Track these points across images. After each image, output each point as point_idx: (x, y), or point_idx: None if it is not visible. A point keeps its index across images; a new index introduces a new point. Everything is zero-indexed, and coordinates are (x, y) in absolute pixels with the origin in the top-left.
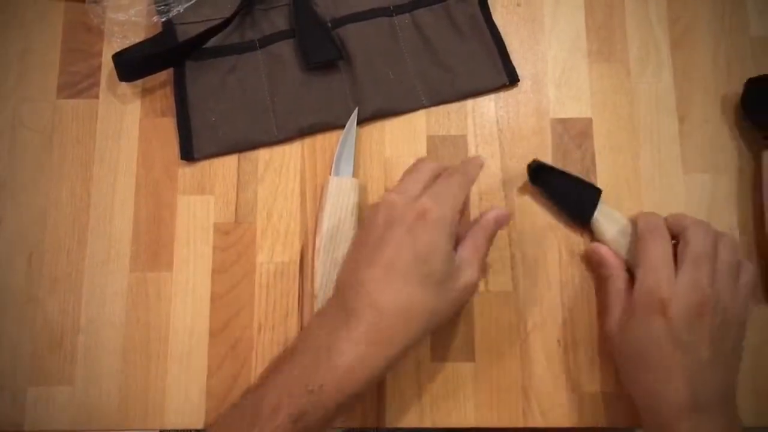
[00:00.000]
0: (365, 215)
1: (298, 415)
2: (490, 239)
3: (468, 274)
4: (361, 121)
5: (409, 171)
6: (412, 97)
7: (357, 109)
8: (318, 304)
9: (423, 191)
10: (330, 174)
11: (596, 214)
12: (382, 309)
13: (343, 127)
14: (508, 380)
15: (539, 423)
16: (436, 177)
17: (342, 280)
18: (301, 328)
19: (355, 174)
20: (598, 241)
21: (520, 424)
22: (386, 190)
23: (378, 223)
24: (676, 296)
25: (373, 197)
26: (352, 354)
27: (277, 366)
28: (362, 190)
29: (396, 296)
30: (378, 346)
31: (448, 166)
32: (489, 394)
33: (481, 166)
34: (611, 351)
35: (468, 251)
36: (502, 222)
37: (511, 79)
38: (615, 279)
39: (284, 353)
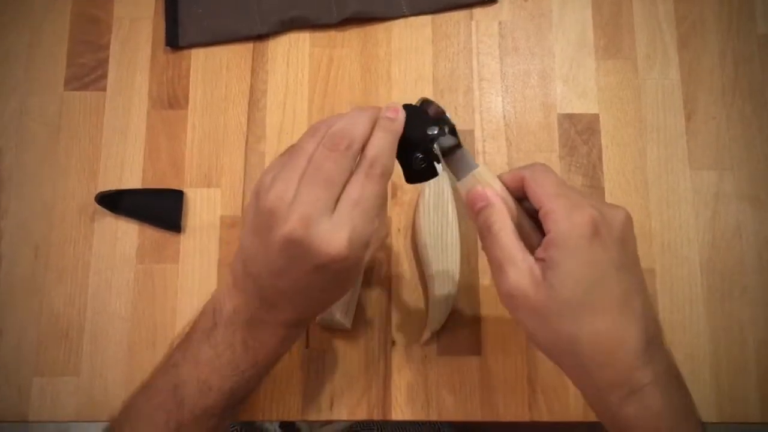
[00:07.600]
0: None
1: (230, 391)
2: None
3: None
4: (340, 21)
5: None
6: (393, 4)
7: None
8: (434, 287)
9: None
10: None
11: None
12: (300, 307)
13: (322, 26)
14: (514, 374)
15: (545, 417)
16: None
17: (254, 273)
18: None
19: None
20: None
21: (527, 418)
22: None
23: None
24: (602, 216)
25: None
26: (276, 337)
27: (198, 347)
28: None
29: (309, 303)
30: (296, 327)
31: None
32: (495, 388)
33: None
34: (520, 316)
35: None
36: None
37: None
38: (504, 223)
39: (199, 331)
